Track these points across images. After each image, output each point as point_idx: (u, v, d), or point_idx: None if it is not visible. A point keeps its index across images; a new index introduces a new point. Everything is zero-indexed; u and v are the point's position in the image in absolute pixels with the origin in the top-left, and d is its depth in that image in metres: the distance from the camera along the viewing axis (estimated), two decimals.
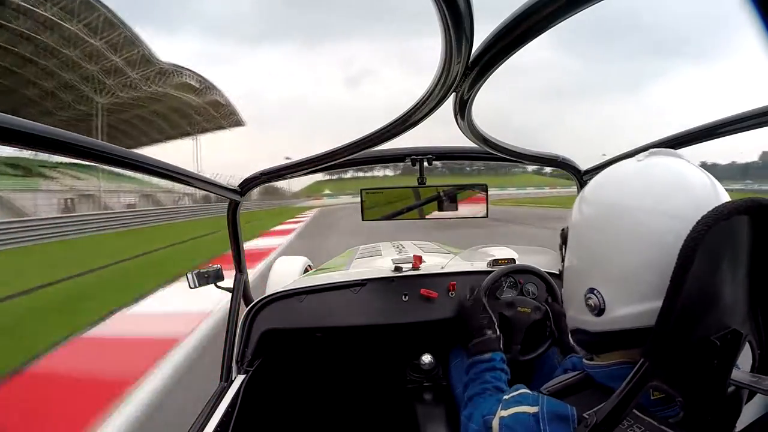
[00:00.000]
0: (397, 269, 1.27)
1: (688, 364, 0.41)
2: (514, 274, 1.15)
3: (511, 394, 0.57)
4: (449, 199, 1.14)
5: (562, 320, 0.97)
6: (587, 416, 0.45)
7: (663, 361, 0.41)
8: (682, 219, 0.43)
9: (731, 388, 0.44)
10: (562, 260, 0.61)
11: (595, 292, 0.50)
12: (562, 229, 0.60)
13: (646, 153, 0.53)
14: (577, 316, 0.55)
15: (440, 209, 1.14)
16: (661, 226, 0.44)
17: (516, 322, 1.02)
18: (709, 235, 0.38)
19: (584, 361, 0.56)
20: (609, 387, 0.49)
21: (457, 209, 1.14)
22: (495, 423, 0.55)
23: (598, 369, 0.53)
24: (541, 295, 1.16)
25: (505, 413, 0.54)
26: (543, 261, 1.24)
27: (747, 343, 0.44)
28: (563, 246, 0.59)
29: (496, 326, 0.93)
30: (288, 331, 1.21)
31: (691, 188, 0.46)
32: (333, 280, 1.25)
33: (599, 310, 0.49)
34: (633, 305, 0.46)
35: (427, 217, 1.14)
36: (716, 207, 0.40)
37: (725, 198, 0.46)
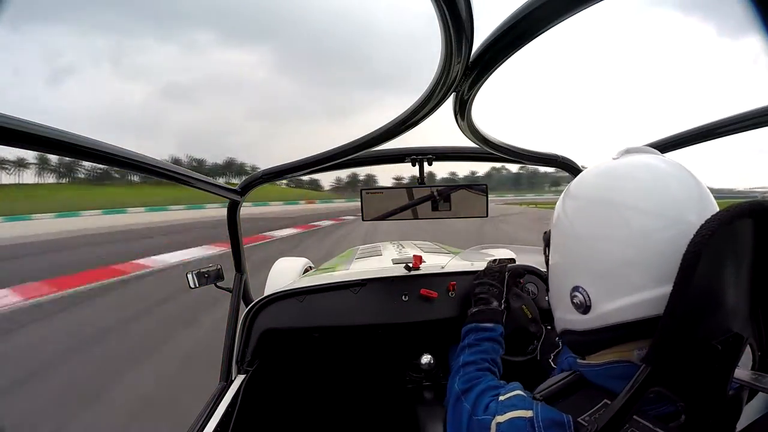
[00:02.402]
0: (407, 268, 1.27)
1: (689, 369, 0.41)
2: (528, 274, 1.17)
3: (507, 395, 0.57)
4: (449, 199, 1.14)
5: (550, 349, 0.97)
6: (586, 423, 0.45)
7: (664, 367, 0.41)
8: (662, 216, 0.44)
9: (732, 391, 0.44)
10: (546, 263, 0.61)
11: (580, 289, 0.50)
12: (545, 232, 0.60)
13: (622, 151, 0.54)
14: (564, 316, 0.55)
15: (440, 209, 1.14)
16: (643, 222, 0.45)
17: (514, 316, 1.01)
18: (713, 239, 0.38)
19: (577, 360, 0.56)
20: (602, 387, 0.49)
21: (457, 209, 1.14)
22: (492, 425, 0.54)
23: (590, 368, 0.52)
24: (541, 296, 1.17)
25: (501, 418, 0.53)
26: (542, 261, 1.24)
27: (747, 345, 0.44)
28: (546, 249, 0.59)
29: (502, 301, 0.93)
30: (288, 331, 1.21)
31: (671, 185, 0.46)
32: (333, 280, 1.25)
33: (585, 308, 0.49)
34: (619, 299, 0.46)
35: (426, 216, 1.14)
36: (719, 211, 0.40)
37: (706, 193, 0.46)
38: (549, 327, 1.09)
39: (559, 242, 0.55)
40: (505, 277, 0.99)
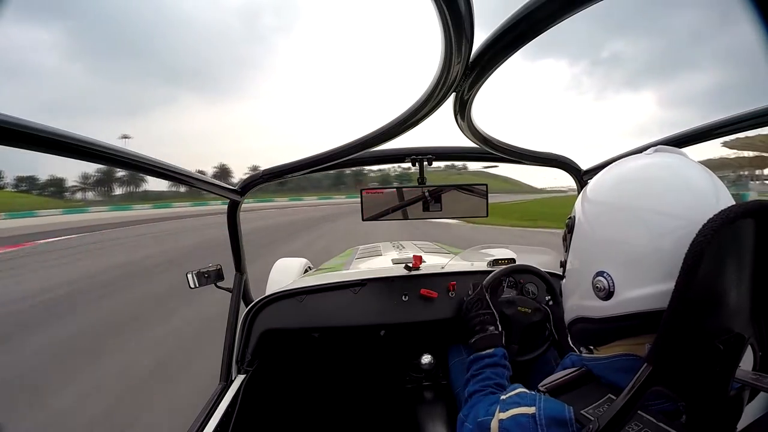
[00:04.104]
0: (407, 268, 1.27)
1: (691, 369, 0.41)
2: (516, 273, 1.15)
3: (509, 394, 0.57)
4: (449, 198, 1.14)
5: (563, 323, 0.98)
6: (591, 416, 0.45)
7: (666, 366, 0.41)
8: (683, 218, 0.44)
9: (733, 391, 0.44)
10: (566, 250, 0.60)
11: (604, 274, 0.49)
12: (569, 217, 0.60)
13: (652, 149, 0.54)
14: (582, 302, 0.54)
15: (440, 209, 1.14)
16: (665, 225, 0.45)
17: (515, 321, 1.02)
18: (715, 239, 0.38)
19: (584, 354, 0.56)
20: (609, 380, 0.49)
21: (455, 209, 1.14)
22: (494, 425, 0.54)
23: (597, 362, 0.52)
24: (541, 295, 1.17)
25: (504, 416, 0.53)
26: (543, 261, 1.24)
27: (748, 345, 0.44)
28: (569, 235, 0.59)
29: (498, 323, 0.93)
30: (288, 331, 1.21)
31: (694, 188, 0.47)
32: (333, 280, 1.25)
33: (608, 293, 0.49)
34: (643, 287, 0.46)
35: (426, 217, 1.14)
36: (722, 211, 0.40)
37: (726, 197, 0.47)
38: (551, 302, 1.09)
39: (584, 232, 0.55)
40: (486, 299, 0.98)
